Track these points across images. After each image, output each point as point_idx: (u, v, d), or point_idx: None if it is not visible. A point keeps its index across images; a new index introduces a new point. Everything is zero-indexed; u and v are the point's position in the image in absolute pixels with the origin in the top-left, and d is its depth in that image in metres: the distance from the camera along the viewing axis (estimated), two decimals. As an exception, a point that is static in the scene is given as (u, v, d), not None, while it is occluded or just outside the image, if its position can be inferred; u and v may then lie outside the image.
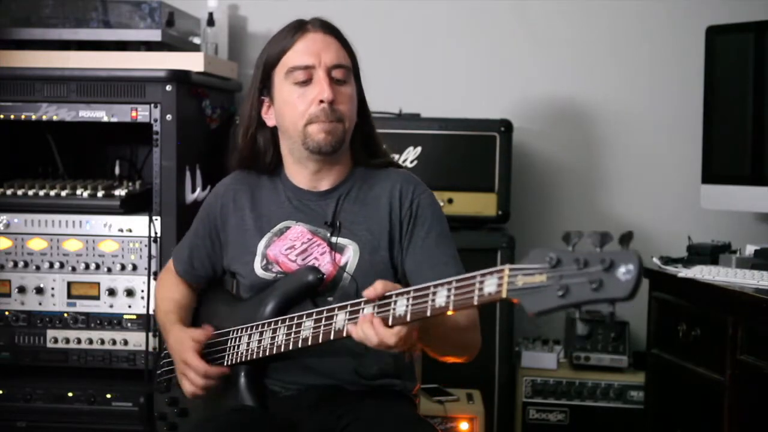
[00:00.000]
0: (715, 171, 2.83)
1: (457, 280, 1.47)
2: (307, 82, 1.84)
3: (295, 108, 1.84)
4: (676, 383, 2.59)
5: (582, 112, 3.24)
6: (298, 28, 1.88)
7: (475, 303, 1.44)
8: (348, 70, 1.87)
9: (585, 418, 2.92)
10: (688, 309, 2.54)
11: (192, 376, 1.84)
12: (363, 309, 1.60)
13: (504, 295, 1.38)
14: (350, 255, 1.86)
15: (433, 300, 1.50)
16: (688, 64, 3.12)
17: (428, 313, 1.50)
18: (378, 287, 1.58)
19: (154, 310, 2.22)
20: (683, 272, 2.53)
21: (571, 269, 1.29)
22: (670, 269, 2.62)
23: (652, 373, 2.73)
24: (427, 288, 1.51)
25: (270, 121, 1.92)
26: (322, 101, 1.81)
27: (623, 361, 2.93)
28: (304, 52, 1.84)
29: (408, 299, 1.54)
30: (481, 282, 1.43)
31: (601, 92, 3.23)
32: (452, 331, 1.74)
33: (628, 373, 2.94)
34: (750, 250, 2.63)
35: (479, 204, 2.91)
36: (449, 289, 1.48)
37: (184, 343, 1.87)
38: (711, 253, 2.64)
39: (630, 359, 2.95)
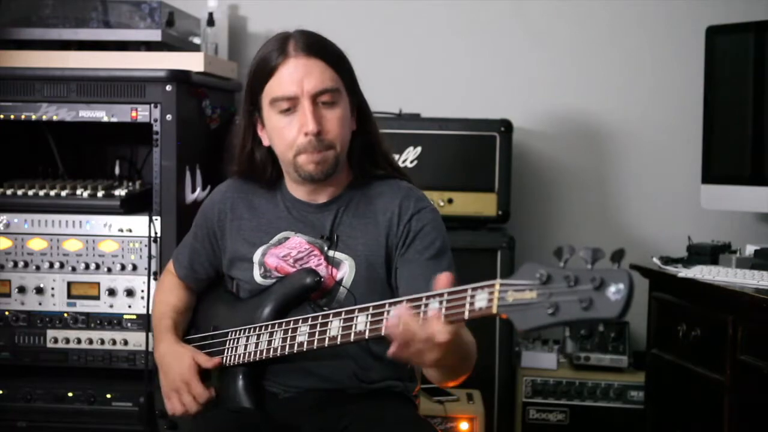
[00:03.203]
0: (715, 171, 2.83)
1: (449, 293, 1.46)
2: (292, 110, 1.80)
3: (283, 138, 1.81)
4: (676, 383, 2.59)
5: (582, 112, 3.25)
6: (280, 51, 1.81)
7: (466, 317, 1.43)
8: (335, 92, 1.81)
9: (585, 418, 2.92)
10: (688, 309, 2.54)
11: (188, 400, 1.84)
12: (357, 317, 1.60)
13: (494, 310, 1.37)
14: (346, 270, 1.85)
15: (425, 312, 1.48)
16: (688, 64, 3.12)
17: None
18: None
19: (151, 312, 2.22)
20: (683, 272, 2.53)
21: (561, 287, 1.29)
22: (670, 269, 2.62)
23: (652, 373, 2.73)
24: (419, 299, 1.50)
25: (265, 140, 1.89)
26: (307, 133, 1.79)
27: (623, 361, 2.93)
28: (286, 81, 1.79)
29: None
30: (472, 296, 1.42)
31: (601, 92, 3.23)
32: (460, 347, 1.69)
33: (628, 373, 2.94)
34: (750, 250, 2.63)
35: (479, 204, 2.91)
36: (441, 302, 1.47)
37: (184, 361, 1.87)
38: (711, 253, 2.64)
39: (630, 359, 2.95)
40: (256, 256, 1.90)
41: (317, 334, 1.67)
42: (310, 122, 1.77)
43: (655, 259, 2.71)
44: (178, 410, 1.87)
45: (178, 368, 1.87)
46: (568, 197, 3.27)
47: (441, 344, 1.45)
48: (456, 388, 2.80)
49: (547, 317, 1.29)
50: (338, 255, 1.86)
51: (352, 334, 1.61)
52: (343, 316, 1.63)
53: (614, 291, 1.25)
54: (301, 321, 1.72)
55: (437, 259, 1.84)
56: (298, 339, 1.71)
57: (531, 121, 3.21)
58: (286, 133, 1.81)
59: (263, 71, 1.83)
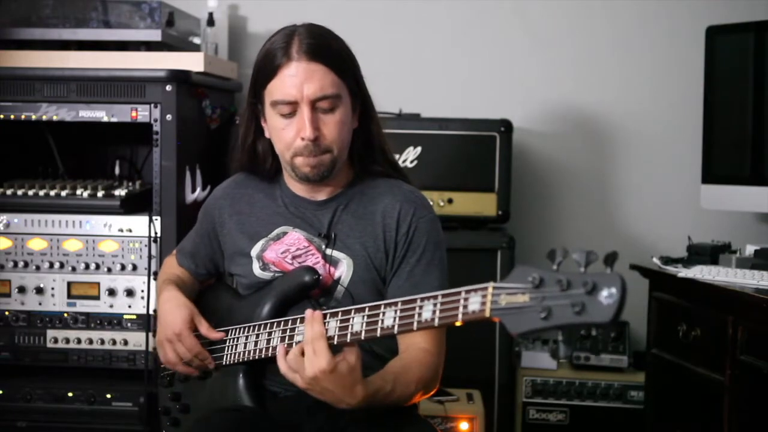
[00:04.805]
0: (715, 171, 2.83)
1: (443, 295, 1.47)
2: (291, 114, 1.80)
3: (282, 139, 1.83)
4: (676, 383, 2.59)
5: (582, 112, 3.24)
6: (284, 51, 1.80)
7: (460, 320, 1.43)
8: (334, 98, 1.81)
9: (585, 418, 2.92)
10: (688, 309, 2.54)
11: (182, 350, 1.85)
12: (353, 317, 1.60)
13: (487, 314, 1.37)
14: (344, 269, 1.85)
15: (419, 314, 1.49)
16: (688, 64, 3.12)
17: (414, 327, 1.50)
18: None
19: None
20: (683, 272, 2.52)
21: (554, 291, 1.29)
22: (670, 269, 2.62)
23: (652, 373, 2.73)
24: (414, 301, 1.51)
25: (267, 132, 1.90)
26: (304, 138, 1.79)
27: (623, 361, 2.93)
28: (287, 85, 1.79)
29: (396, 311, 1.54)
30: (466, 299, 1.42)
31: (601, 92, 3.23)
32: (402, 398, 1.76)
33: (628, 373, 2.94)
34: (750, 250, 2.63)
35: (479, 204, 2.91)
36: (435, 304, 1.48)
37: (183, 312, 1.87)
38: (711, 253, 2.64)
39: (630, 359, 2.95)
40: (255, 251, 1.91)
41: None
42: (308, 128, 1.78)
43: (655, 259, 2.71)
44: (171, 359, 1.87)
45: (179, 316, 1.87)
46: (568, 197, 3.27)
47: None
48: (456, 388, 2.80)
49: (539, 321, 1.29)
50: (336, 254, 1.86)
51: (349, 335, 1.61)
52: (339, 317, 1.63)
53: (606, 295, 1.24)
54: (299, 321, 1.72)
55: (429, 271, 1.85)
56: (296, 338, 1.71)
57: (531, 121, 3.21)
58: (284, 134, 1.82)
59: (266, 69, 1.83)
